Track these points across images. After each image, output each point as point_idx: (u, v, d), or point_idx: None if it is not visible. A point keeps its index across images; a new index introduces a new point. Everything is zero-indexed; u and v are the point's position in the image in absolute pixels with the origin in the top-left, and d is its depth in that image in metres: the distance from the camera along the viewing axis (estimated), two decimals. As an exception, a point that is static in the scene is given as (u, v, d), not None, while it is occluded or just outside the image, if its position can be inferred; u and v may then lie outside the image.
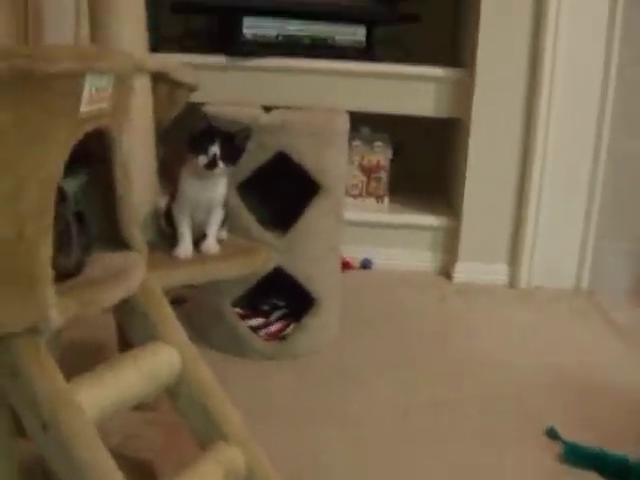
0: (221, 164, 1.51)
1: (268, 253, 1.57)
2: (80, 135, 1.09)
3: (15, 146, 1.01)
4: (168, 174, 1.68)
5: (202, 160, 1.50)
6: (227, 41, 2.78)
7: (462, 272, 2.73)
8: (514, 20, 2.54)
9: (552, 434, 1.63)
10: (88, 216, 1.27)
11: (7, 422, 1.14)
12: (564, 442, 1.59)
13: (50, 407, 1.05)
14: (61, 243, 1.13)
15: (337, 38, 2.75)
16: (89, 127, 1.12)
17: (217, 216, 1.58)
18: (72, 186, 1.23)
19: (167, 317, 1.30)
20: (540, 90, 2.54)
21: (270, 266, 1.59)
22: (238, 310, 2.04)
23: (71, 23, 1.82)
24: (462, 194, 2.72)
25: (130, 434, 1.55)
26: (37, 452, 1.10)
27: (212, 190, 1.56)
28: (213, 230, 1.58)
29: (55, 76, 1.02)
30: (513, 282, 2.71)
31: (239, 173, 1.90)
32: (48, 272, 1.07)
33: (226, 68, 2.72)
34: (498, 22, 2.56)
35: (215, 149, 1.50)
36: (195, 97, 1.70)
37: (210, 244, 1.57)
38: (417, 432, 1.65)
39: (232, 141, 1.53)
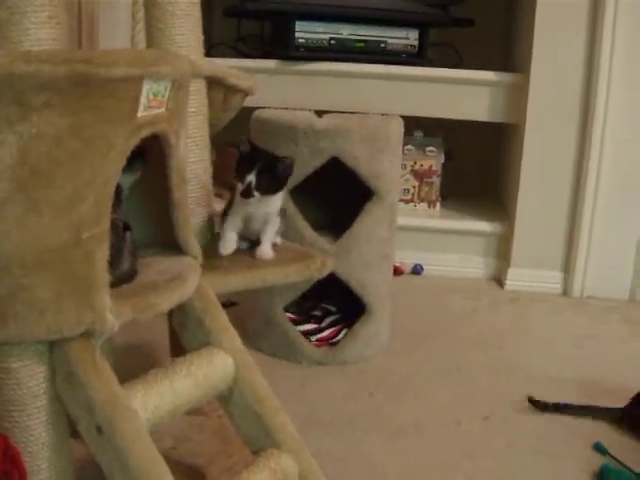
0: (256, 193, 1.46)
1: (324, 260, 1.56)
2: (137, 141, 1.10)
3: (72, 152, 1.02)
4: (220, 176, 1.68)
5: (239, 187, 1.47)
6: (279, 45, 2.78)
7: (514, 279, 2.69)
8: (570, 23, 2.50)
9: (599, 449, 1.60)
10: (140, 220, 1.28)
11: (64, 423, 1.15)
12: (613, 458, 1.56)
13: (105, 411, 1.06)
14: (115, 251, 1.13)
15: (389, 42, 2.73)
16: (146, 132, 1.12)
17: (274, 225, 1.57)
18: (128, 181, 1.24)
19: (222, 323, 1.30)
20: (596, 93, 2.49)
21: (326, 273, 1.57)
22: (290, 315, 2.03)
23: (125, 27, 1.83)
24: (515, 200, 2.68)
25: (180, 438, 1.55)
26: (89, 454, 1.11)
27: (267, 206, 1.53)
28: (268, 237, 1.57)
29: (113, 81, 1.02)
30: (566, 290, 2.66)
31: (292, 177, 1.89)
32: (104, 277, 1.08)
33: (278, 72, 2.72)
34: (554, 25, 2.51)
35: (251, 178, 1.45)
36: (247, 101, 1.70)
37: (265, 250, 1.55)
38: (469, 444, 1.62)
39: (272, 170, 1.48)
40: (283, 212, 1.61)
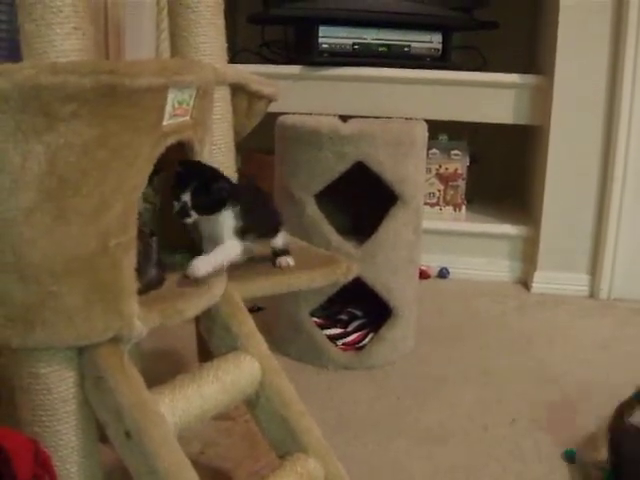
0: (194, 213, 1.26)
1: (350, 264, 1.55)
2: (163, 149, 1.11)
3: (100, 161, 1.03)
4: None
5: (175, 207, 1.27)
6: (303, 51, 2.80)
7: (541, 282, 2.68)
8: (594, 25, 2.48)
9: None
10: (165, 226, 1.29)
11: (93, 427, 1.16)
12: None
13: (133, 416, 1.07)
14: (142, 258, 1.14)
15: (413, 46, 2.74)
16: (171, 140, 1.13)
17: (223, 247, 1.33)
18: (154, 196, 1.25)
19: (248, 328, 1.30)
20: (621, 94, 2.47)
21: (351, 277, 1.57)
22: (316, 319, 2.04)
23: (150, 37, 1.85)
24: (541, 202, 2.67)
25: (208, 442, 1.56)
26: (117, 459, 1.12)
27: (209, 226, 1.32)
28: (209, 256, 1.31)
29: (138, 91, 1.03)
30: (593, 293, 2.64)
31: (317, 182, 1.91)
32: (132, 284, 1.09)
33: (302, 78, 2.73)
34: (577, 27, 2.50)
35: (186, 197, 1.25)
36: (271, 107, 1.71)
37: (194, 264, 1.28)
38: (496, 448, 1.62)
39: (209, 189, 1.27)
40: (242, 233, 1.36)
